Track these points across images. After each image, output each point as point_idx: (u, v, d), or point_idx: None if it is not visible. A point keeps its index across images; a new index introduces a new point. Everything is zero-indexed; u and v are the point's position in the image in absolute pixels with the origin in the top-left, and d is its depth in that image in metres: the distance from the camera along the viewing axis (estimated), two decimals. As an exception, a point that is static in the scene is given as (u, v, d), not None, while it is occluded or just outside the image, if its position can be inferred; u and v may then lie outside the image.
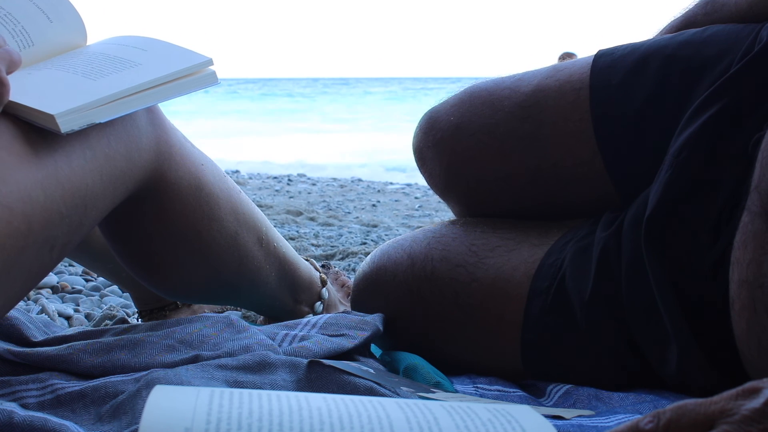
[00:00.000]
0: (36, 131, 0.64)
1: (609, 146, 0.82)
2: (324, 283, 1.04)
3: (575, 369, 0.77)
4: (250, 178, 4.87)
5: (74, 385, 0.68)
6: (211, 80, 0.73)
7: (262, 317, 1.06)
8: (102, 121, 0.66)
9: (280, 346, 0.77)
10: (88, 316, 1.29)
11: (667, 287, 0.69)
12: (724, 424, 0.36)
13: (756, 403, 0.37)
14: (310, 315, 1.03)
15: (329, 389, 0.67)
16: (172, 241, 0.82)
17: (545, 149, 0.86)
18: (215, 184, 0.84)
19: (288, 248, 0.97)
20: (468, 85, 0.95)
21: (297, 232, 2.49)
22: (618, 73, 0.83)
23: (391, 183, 5.00)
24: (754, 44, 0.75)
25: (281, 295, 0.98)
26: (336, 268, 1.16)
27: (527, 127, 0.87)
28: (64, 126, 0.63)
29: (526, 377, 0.81)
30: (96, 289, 1.50)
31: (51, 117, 0.62)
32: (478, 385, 0.78)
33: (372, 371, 0.71)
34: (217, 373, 0.68)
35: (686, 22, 0.90)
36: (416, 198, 4.00)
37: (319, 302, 1.03)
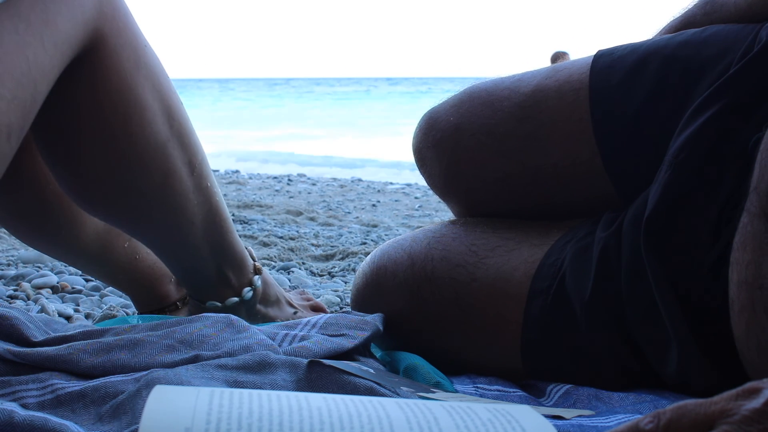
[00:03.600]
0: None
1: (608, 146, 0.82)
2: (258, 272, 1.00)
3: (575, 369, 0.77)
4: (250, 178, 4.87)
5: (74, 385, 0.68)
6: None
7: (189, 306, 1.01)
8: None
9: (280, 346, 0.77)
10: (88, 316, 1.29)
11: (667, 287, 0.69)
12: (724, 425, 0.36)
13: (756, 403, 0.37)
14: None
15: (329, 389, 0.67)
16: (99, 123, 0.78)
17: (545, 149, 0.86)
18: (156, 76, 0.80)
19: (223, 204, 0.91)
20: (468, 85, 0.95)
21: (297, 232, 2.49)
22: (617, 73, 0.83)
23: (391, 183, 4.99)
24: (754, 44, 0.75)
25: (204, 253, 0.92)
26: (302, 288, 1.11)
27: (527, 128, 0.87)
28: None
29: (526, 377, 0.81)
30: (96, 289, 1.50)
31: None
32: (478, 385, 0.78)
33: (372, 371, 0.71)
34: (217, 373, 0.68)
35: (685, 22, 0.90)
36: (416, 198, 4.00)
37: (249, 288, 0.98)
